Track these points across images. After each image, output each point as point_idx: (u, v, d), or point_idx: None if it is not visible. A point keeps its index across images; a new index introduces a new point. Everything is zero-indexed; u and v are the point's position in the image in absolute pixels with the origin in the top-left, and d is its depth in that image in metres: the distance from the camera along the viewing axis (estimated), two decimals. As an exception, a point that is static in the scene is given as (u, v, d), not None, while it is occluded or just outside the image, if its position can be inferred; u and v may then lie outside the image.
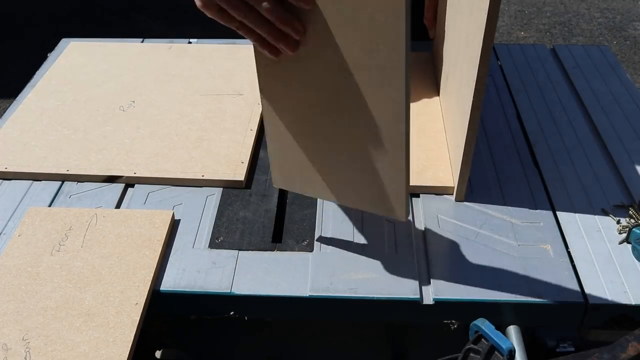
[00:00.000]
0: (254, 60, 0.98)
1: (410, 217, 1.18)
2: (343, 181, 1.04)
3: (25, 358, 0.92)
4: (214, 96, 1.49)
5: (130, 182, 1.25)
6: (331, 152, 1.01)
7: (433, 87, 1.53)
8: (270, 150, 1.10)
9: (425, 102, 1.47)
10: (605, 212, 1.19)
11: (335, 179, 1.05)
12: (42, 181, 1.27)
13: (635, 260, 1.09)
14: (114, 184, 1.26)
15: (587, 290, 1.03)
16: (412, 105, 1.43)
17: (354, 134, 0.96)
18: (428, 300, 1.03)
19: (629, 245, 1.11)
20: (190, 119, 1.41)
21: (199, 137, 1.35)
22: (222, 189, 1.25)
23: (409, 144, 0.91)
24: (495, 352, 0.97)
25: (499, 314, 1.03)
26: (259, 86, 1.01)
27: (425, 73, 1.58)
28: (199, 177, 1.25)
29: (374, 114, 0.91)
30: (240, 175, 1.25)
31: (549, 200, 1.22)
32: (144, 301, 1.00)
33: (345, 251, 1.11)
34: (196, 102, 1.47)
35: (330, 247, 1.11)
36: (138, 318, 0.97)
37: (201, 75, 1.57)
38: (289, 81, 0.96)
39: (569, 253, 1.10)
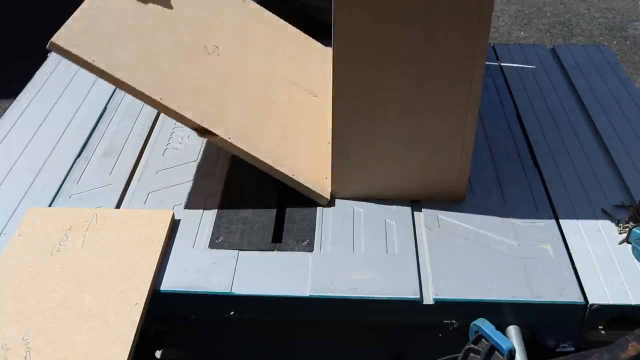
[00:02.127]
0: (329, 66, 1.07)
1: (410, 217, 1.18)
2: (406, 176, 1.18)
3: (25, 358, 0.91)
4: (292, 85, 1.39)
5: (223, 146, 1.16)
6: (398, 150, 1.15)
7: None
8: (336, 161, 1.17)
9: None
10: (605, 212, 1.19)
11: (399, 175, 1.18)
12: (42, 181, 1.27)
13: (635, 260, 1.09)
14: (114, 184, 1.26)
15: (587, 290, 1.03)
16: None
17: (421, 132, 1.12)
18: (428, 300, 1.03)
19: (629, 245, 1.11)
20: (275, 97, 1.32)
21: (285, 125, 1.27)
22: (222, 188, 1.25)
23: (471, 134, 1.11)
24: (495, 352, 0.97)
25: (499, 314, 1.03)
26: (333, 95, 1.08)
27: None
28: (290, 175, 1.18)
29: (440, 111, 1.09)
30: (325, 192, 1.20)
31: (549, 200, 1.22)
32: (144, 301, 1.00)
33: (345, 251, 1.11)
34: (277, 82, 1.36)
35: (330, 247, 1.11)
36: (138, 318, 0.97)
37: (278, 52, 1.46)
38: (366, 91, 1.08)
39: (569, 253, 1.10)
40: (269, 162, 1.16)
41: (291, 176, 1.18)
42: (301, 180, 1.18)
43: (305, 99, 1.39)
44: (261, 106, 1.28)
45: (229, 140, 1.14)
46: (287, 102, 1.34)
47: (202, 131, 1.13)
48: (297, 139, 1.27)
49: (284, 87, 1.37)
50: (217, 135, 1.13)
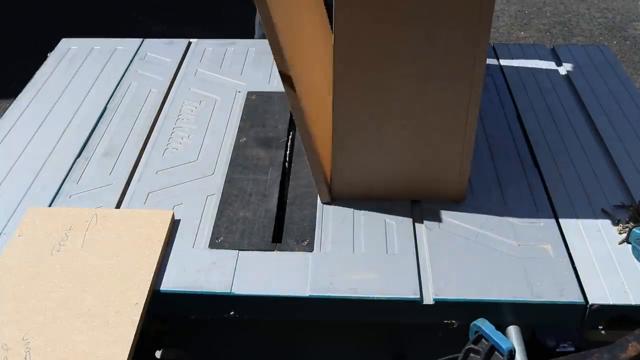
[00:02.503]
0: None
1: (410, 217, 1.18)
2: (407, 176, 1.18)
3: (25, 358, 0.91)
4: (322, 71, 1.32)
5: (290, 102, 1.09)
6: (399, 150, 1.15)
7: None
8: (336, 161, 1.16)
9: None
10: (605, 212, 1.19)
11: (400, 175, 1.18)
12: (42, 181, 1.27)
13: (635, 260, 1.09)
14: (114, 184, 1.26)
15: (587, 290, 1.03)
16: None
17: (421, 132, 1.12)
18: (428, 300, 1.03)
19: (629, 245, 1.11)
20: (314, 78, 1.26)
21: (317, 110, 1.21)
22: (222, 188, 1.25)
23: (472, 134, 1.11)
24: (495, 352, 0.97)
25: (499, 314, 1.03)
26: (333, 95, 1.08)
27: None
28: (318, 161, 1.17)
29: (441, 111, 1.09)
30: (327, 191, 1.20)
31: (549, 200, 1.22)
32: (144, 301, 1.00)
33: (345, 251, 1.11)
34: (315, 61, 1.29)
35: (330, 247, 1.11)
36: (138, 318, 0.97)
37: (319, 32, 1.38)
38: (366, 91, 1.07)
39: (569, 253, 1.10)
40: (312, 139, 1.13)
41: (319, 162, 1.16)
42: (332, 170, 1.17)
43: (324, 91, 1.37)
44: (313, 80, 1.23)
45: (300, 100, 1.08)
46: (319, 88, 1.31)
47: (285, 78, 1.06)
48: (319, 129, 1.24)
49: (318, 70, 1.33)
50: (294, 90, 1.07)
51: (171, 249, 1.11)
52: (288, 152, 1.36)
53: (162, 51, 1.73)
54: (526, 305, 1.02)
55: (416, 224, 1.17)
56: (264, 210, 1.20)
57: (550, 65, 1.67)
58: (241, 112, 1.48)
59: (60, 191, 1.25)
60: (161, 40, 1.77)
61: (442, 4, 0.98)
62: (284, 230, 1.16)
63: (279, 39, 1.02)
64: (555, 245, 1.11)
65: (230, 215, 1.19)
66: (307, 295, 1.03)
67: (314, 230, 1.15)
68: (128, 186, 1.27)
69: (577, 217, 1.18)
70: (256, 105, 1.50)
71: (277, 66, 1.05)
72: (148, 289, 1.02)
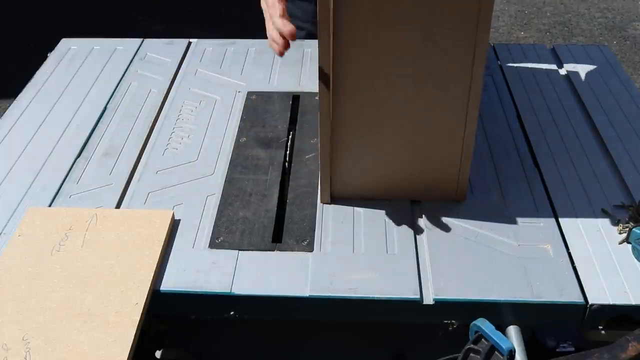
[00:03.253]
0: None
1: (410, 217, 1.18)
2: (406, 176, 1.18)
3: (25, 358, 0.91)
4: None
5: (320, 100, 1.10)
6: (398, 150, 1.14)
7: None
8: (336, 161, 1.16)
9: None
10: (605, 212, 1.19)
11: (399, 175, 1.18)
12: (42, 181, 1.27)
13: (635, 260, 1.09)
14: (114, 184, 1.26)
15: (587, 290, 1.03)
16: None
17: (421, 132, 1.12)
18: (428, 300, 1.03)
19: (629, 245, 1.11)
20: None
21: None
22: (222, 188, 1.25)
23: (472, 134, 1.11)
24: (495, 352, 0.97)
25: (499, 314, 1.03)
26: (332, 95, 1.07)
27: None
28: (329, 160, 1.18)
29: (440, 111, 1.09)
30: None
31: (549, 200, 1.22)
32: (144, 301, 1.00)
33: (345, 251, 1.11)
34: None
35: (330, 247, 1.12)
36: (138, 318, 0.97)
37: None
38: (365, 92, 1.07)
39: (569, 253, 1.10)
40: (330, 140, 1.14)
41: (330, 163, 1.16)
42: (331, 171, 1.18)
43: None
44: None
45: (331, 101, 1.09)
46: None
47: (324, 77, 1.07)
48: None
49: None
50: (329, 91, 1.08)
51: (171, 249, 1.11)
52: (288, 152, 1.36)
53: (162, 51, 1.73)
54: (526, 305, 1.02)
55: (416, 224, 1.17)
56: (264, 210, 1.20)
57: (550, 65, 1.67)
58: (241, 112, 1.48)
59: (60, 191, 1.25)
60: (161, 40, 1.77)
61: (439, 4, 0.98)
62: (284, 230, 1.16)
63: (331, 37, 1.03)
64: (555, 245, 1.11)
65: (230, 215, 1.19)
66: (307, 295, 1.03)
67: (314, 230, 1.15)
68: (128, 186, 1.27)
69: (577, 217, 1.18)
70: (256, 105, 1.50)
71: (321, 64, 1.06)
72: (148, 289, 1.02)
